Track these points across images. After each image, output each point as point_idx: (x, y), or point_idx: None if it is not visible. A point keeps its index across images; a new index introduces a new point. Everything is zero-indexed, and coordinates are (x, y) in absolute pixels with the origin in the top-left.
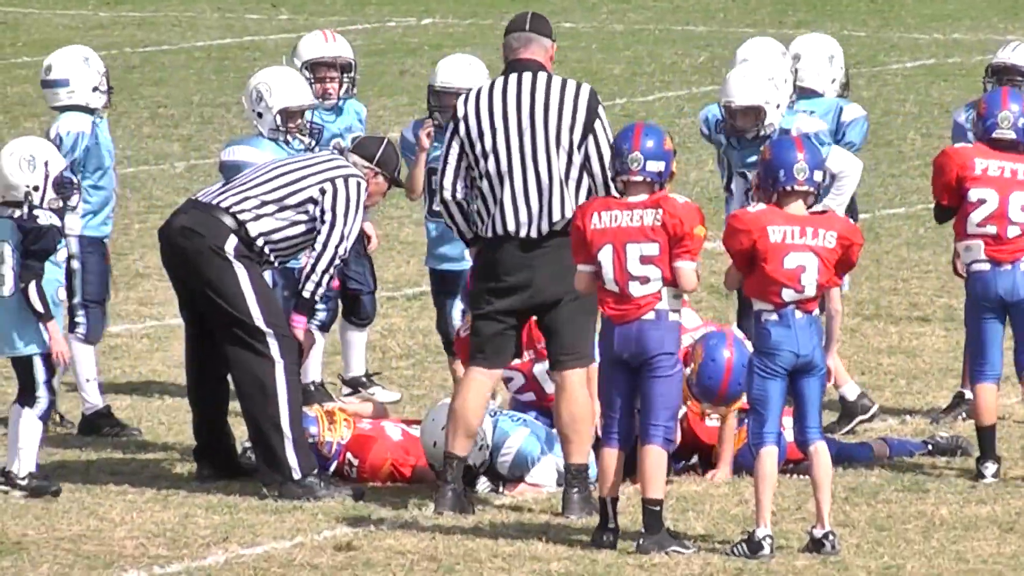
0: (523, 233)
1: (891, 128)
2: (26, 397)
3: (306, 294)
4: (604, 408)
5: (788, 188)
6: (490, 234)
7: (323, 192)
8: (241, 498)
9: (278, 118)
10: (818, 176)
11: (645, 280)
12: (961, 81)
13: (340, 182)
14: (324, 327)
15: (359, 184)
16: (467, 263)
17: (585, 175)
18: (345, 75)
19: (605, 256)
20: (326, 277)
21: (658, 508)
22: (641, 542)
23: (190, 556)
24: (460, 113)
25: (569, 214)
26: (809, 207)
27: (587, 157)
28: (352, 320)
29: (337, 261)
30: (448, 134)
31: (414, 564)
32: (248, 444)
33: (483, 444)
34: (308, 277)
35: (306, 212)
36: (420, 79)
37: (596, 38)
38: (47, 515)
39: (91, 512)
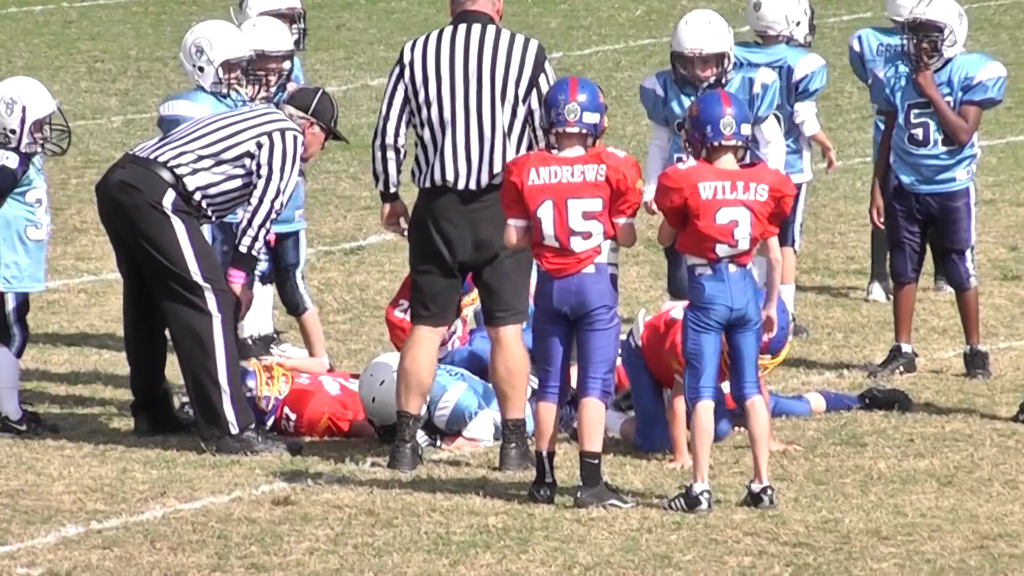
0: (462, 184)
1: (828, 81)
2: (1, 335)
3: (243, 248)
4: (541, 362)
5: (716, 143)
6: (427, 184)
7: (259, 146)
8: (179, 453)
9: (220, 71)
10: (746, 130)
11: (587, 235)
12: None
13: (276, 135)
14: (265, 278)
15: (295, 138)
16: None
17: (527, 129)
18: (294, 25)
19: (545, 211)
20: (263, 231)
21: (596, 461)
22: (579, 495)
23: (128, 511)
24: (406, 59)
25: None
26: (739, 160)
27: (530, 111)
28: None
29: (274, 215)
30: (392, 79)
31: (352, 518)
32: (185, 399)
33: None
34: (245, 231)
35: (243, 166)
36: (356, 33)
37: None
38: None
39: (28, 467)
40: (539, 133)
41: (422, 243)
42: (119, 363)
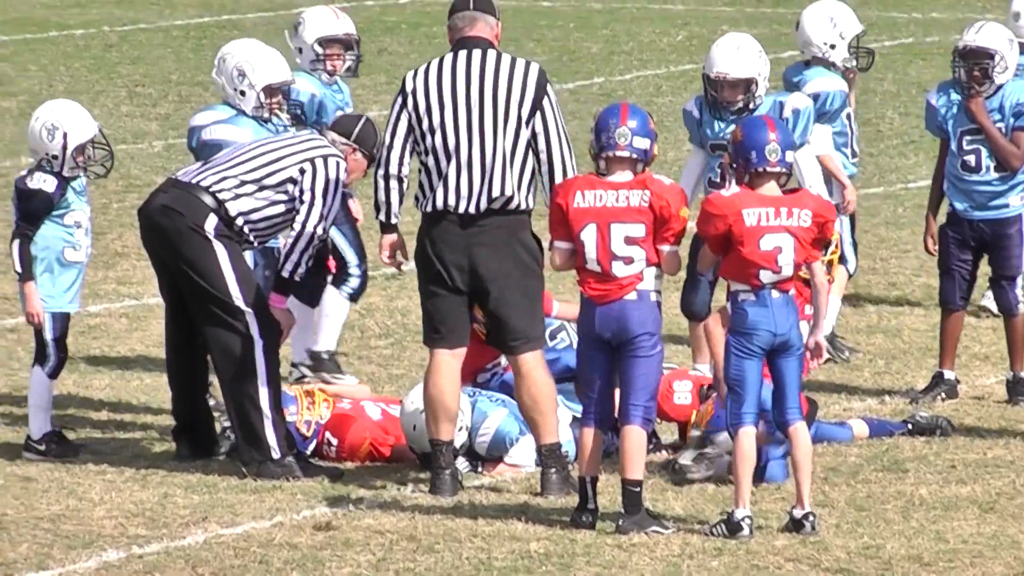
0: (461, 208)
1: (869, 107)
2: (39, 356)
3: (285, 274)
4: (583, 388)
5: (760, 169)
6: (429, 208)
7: (302, 172)
8: (220, 478)
9: (262, 95)
10: (790, 157)
11: (629, 261)
12: (939, 60)
13: (319, 162)
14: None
15: (338, 164)
16: None
17: (530, 155)
18: (349, 52)
19: (588, 235)
20: (305, 256)
21: (638, 489)
22: (621, 523)
23: (169, 536)
24: (408, 87)
25: (508, 192)
26: (782, 186)
27: (534, 134)
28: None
29: (316, 241)
30: (395, 109)
31: (393, 544)
32: (228, 424)
33: (462, 425)
34: (288, 257)
35: (285, 192)
36: (398, 58)
37: (574, 16)
38: (26, 495)
39: (70, 492)
40: (542, 157)
41: (425, 267)
42: (161, 387)
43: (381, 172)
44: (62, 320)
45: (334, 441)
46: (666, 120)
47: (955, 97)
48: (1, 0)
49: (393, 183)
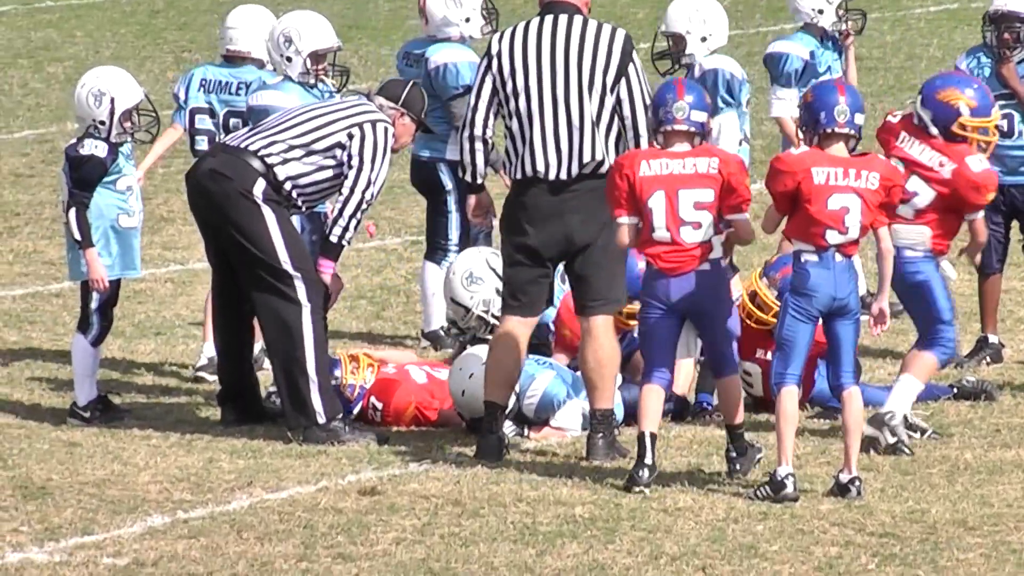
0: (552, 175)
1: (915, 72)
2: (82, 323)
3: (333, 239)
4: (650, 351)
5: (829, 130)
6: (519, 175)
7: (351, 137)
8: (265, 442)
9: (308, 61)
10: (859, 119)
11: (697, 226)
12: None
13: (368, 127)
14: None
15: (387, 129)
16: None
17: (615, 119)
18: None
19: (656, 202)
20: (353, 222)
21: (742, 431)
22: (736, 466)
23: (214, 500)
24: (494, 50)
25: (599, 156)
26: (851, 150)
27: (619, 100)
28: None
29: (364, 206)
30: (480, 70)
31: (438, 508)
32: (272, 388)
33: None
34: (336, 222)
35: (334, 157)
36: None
37: None
38: (71, 460)
39: (115, 457)
40: (627, 123)
41: (512, 234)
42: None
43: (466, 133)
44: (113, 287)
45: (379, 405)
46: None
47: (985, 61)
48: None
49: (478, 144)
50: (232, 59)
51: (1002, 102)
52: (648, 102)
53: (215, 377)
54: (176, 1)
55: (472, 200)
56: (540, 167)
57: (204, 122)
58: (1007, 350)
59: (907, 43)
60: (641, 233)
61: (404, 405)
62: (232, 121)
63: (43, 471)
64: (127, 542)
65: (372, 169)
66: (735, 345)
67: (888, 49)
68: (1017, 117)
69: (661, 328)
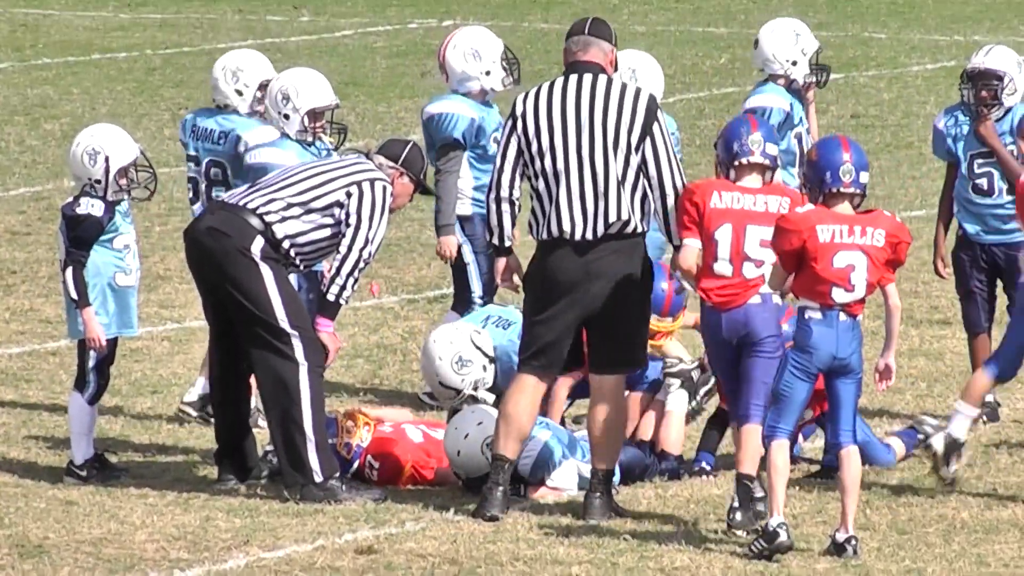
0: (578, 235)
1: (911, 130)
2: (78, 382)
3: (331, 297)
4: (728, 390)
5: (835, 190)
6: (545, 235)
7: (349, 195)
8: (262, 501)
9: (306, 119)
10: (864, 177)
11: (760, 263)
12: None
13: (366, 185)
14: None
15: (385, 188)
16: None
17: (641, 178)
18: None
19: (723, 235)
20: (351, 280)
21: (752, 483)
22: (732, 517)
23: (211, 559)
24: (519, 111)
25: (625, 216)
26: (856, 207)
27: (644, 160)
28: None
29: (362, 264)
30: (506, 131)
31: (435, 567)
32: (269, 447)
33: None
34: (333, 280)
35: (332, 215)
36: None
37: (618, 40)
38: (68, 518)
39: (111, 515)
40: (653, 183)
41: (538, 294)
42: None
43: (493, 195)
44: (110, 346)
45: (376, 464)
46: (709, 143)
47: (963, 120)
48: (44, 23)
49: (505, 206)
50: (220, 107)
51: (980, 161)
52: (674, 161)
53: (197, 414)
54: (172, 58)
55: (501, 263)
56: (567, 227)
57: (191, 169)
58: (1003, 409)
59: (904, 100)
60: (704, 258)
61: (401, 464)
62: (213, 171)
63: (40, 529)
64: None
65: (370, 228)
66: (768, 395)
67: (885, 106)
68: (996, 175)
69: (729, 368)
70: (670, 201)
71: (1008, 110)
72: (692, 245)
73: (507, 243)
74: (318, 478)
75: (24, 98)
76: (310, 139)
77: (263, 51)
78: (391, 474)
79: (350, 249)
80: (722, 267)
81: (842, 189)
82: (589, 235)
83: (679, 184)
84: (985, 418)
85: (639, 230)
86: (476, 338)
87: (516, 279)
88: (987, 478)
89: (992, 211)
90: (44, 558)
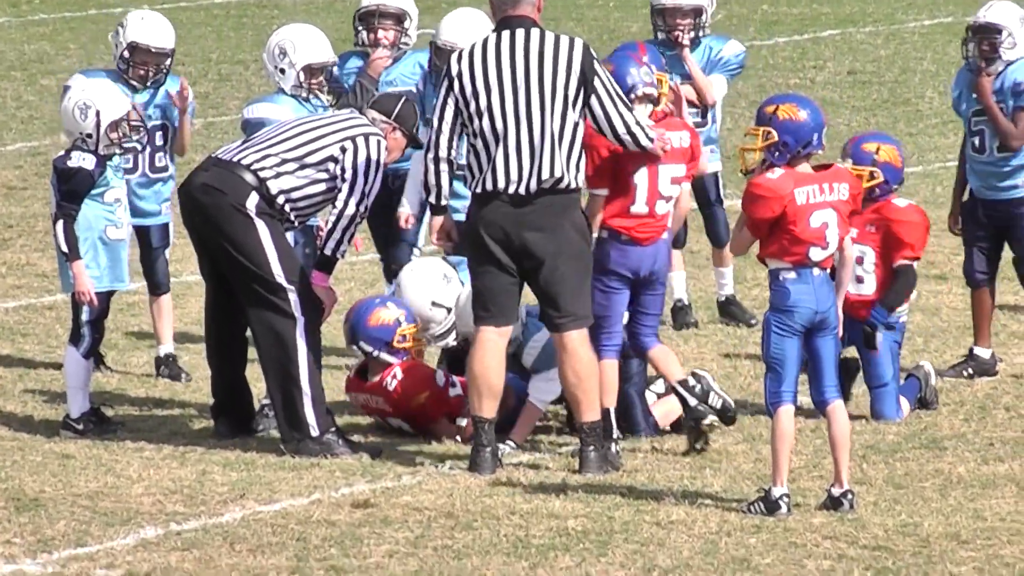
0: (512, 189)
1: (908, 87)
2: (73, 336)
3: (327, 252)
4: (608, 324)
5: (819, 151)
6: (479, 190)
7: (343, 150)
8: (259, 455)
9: (301, 75)
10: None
11: (670, 199)
12: None
13: (360, 140)
14: None
15: (379, 142)
16: None
17: (579, 134)
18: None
19: (640, 178)
20: (347, 235)
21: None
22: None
23: (207, 513)
24: (454, 71)
25: (559, 173)
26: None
27: (593, 113)
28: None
29: (358, 219)
30: (442, 91)
31: (431, 521)
32: (266, 401)
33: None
34: (330, 235)
35: (326, 170)
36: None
37: None
38: (64, 472)
39: (108, 469)
40: (603, 126)
41: (475, 246)
42: (199, 365)
43: (431, 155)
44: (103, 300)
45: (399, 377)
46: None
47: (970, 77)
48: None
49: (443, 166)
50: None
51: (976, 118)
52: (622, 103)
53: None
54: (170, 14)
55: (435, 222)
56: (501, 182)
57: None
58: (1001, 364)
59: (901, 56)
60: (614, 207)
61: (419, 390)
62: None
63: (36, 483)
64: (120, 554)
65: (365, 182)
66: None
67: (882, 63)
68: (988, 133)
69: (617, 299)
70: (630, 147)
71: (1007, 65)
72: (596, 193)
73: (443, 202)
74: (314, 432)
75: (21, 54)
76: (305, 95)
77: (259, 7)
78: (407, 392)
79: (346, 204)
80: (639, 207)
81: (820, 151)
82: (523, 190)
83: (633, 124)
84: (971, 371)
85: (572, 186)
86: (444, 268)
87: (452, 236)
88: (984, 433)
89: (987, 168)
90: (40, 512)
